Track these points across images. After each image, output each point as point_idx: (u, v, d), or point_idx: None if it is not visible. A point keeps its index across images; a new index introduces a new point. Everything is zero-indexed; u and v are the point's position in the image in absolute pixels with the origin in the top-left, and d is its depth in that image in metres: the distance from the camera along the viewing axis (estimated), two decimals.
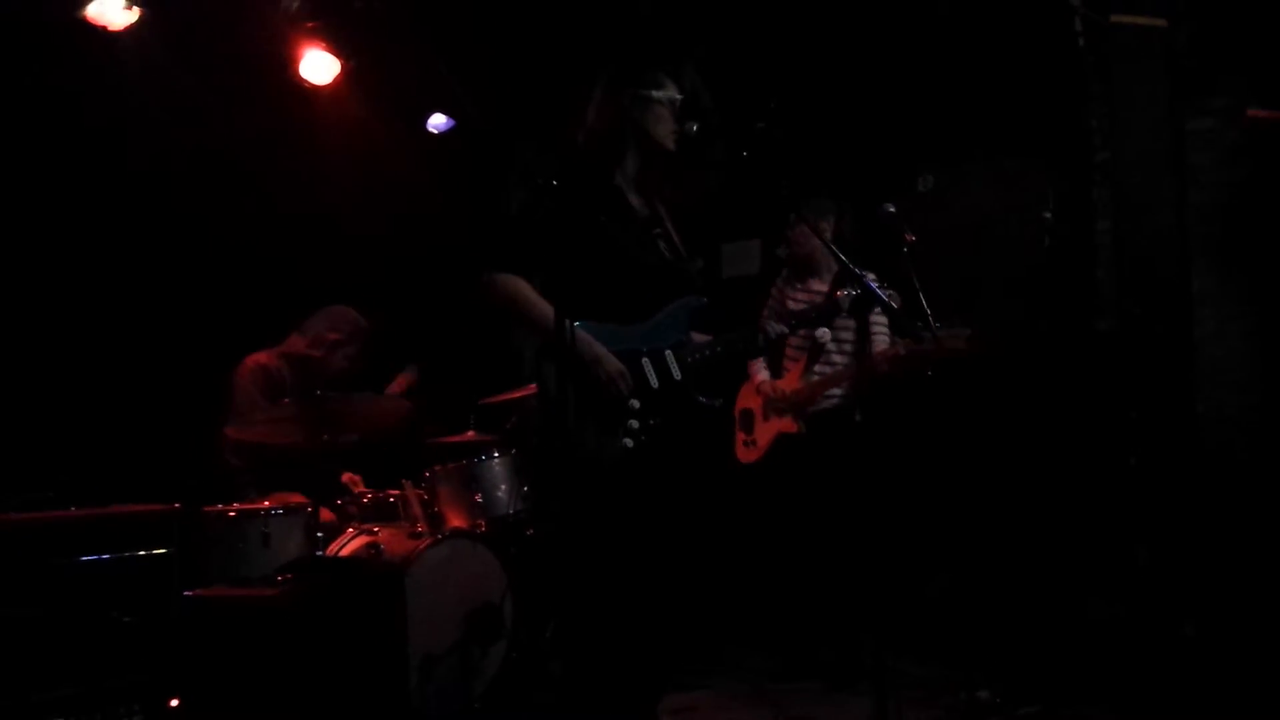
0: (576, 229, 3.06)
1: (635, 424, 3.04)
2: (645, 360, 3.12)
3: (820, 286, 4.90)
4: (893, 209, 4.07)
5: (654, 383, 3.11)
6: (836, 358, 4.80)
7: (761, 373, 4.99)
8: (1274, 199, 4.58)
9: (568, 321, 2.87)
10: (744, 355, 3.20)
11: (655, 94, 3.19)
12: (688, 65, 3.28)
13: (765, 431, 4.92)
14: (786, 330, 3.27)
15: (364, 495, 4.68)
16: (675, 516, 3.18)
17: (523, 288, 3.08)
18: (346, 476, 4.96)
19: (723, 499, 5.48)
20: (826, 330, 4.71)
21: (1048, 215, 4.86)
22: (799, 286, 4.95)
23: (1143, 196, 4.88)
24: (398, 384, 4.97)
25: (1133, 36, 4.95)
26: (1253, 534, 4.35)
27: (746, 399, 5.08)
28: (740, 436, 5.07)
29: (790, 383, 4.86)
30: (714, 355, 3.17)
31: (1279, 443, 4.43)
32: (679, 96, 3.21)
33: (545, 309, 3.01)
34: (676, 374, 3.12)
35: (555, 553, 3.10)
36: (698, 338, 3.23)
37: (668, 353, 3.13)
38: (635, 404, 3.05)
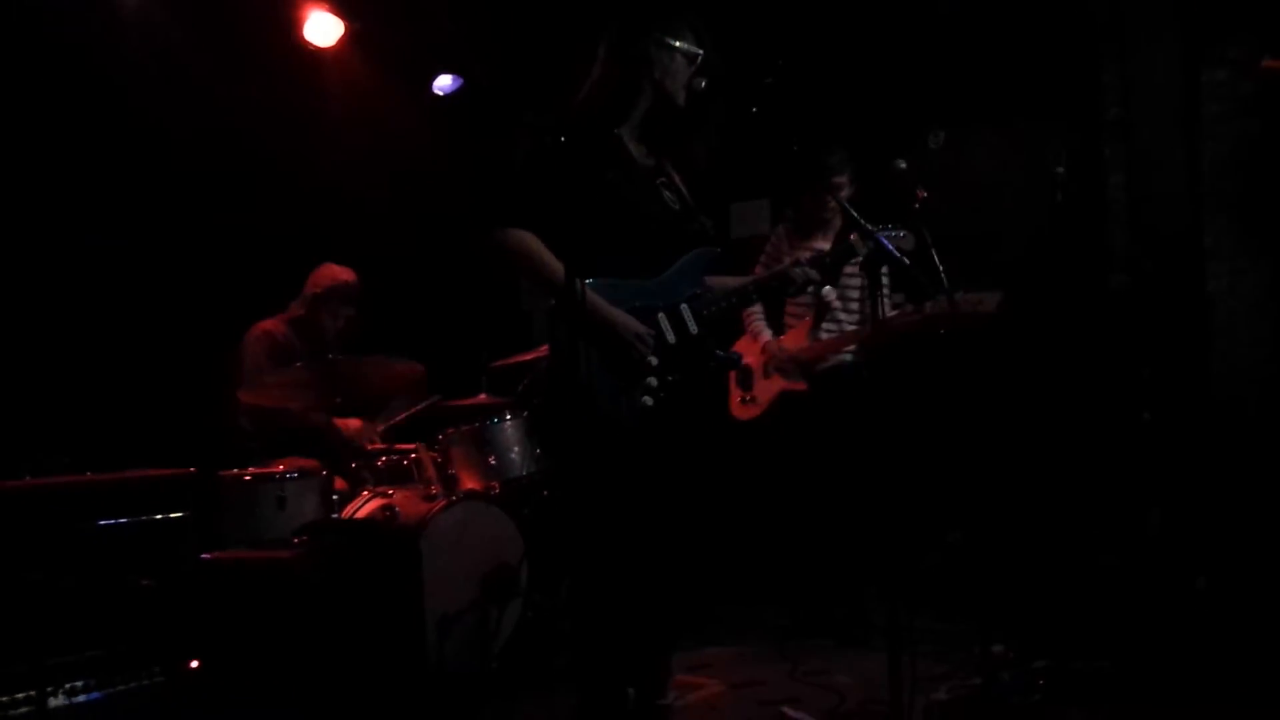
0: (582, 183, 3.00)
1: (654, 382, 3.00)
2: (661, 316, 3.08)
3: (823, 244, 4.86)
4: (904, 165, 4.05)
5: (670, 338, 3.07)
6: (842, 315, 4.77)
7: (765, 331, 4.96)
8: None
9: (579, 280, 2.82)
10: (770, 297, 3.16)
11: (678, 44, 3.11)
12: (701, 22, 3.21)
13: (766, 389, 4.89)
14: (816, 278, 3.20)
15: (378, 458, 4.69)
16: (696, 473, 3.17)
17: (533, 243, 3.01)
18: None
19: (723, 455, 5.51)
20: (832, 289, 4.69)
21: (1060, 171, 4.83)
22: (801, 243, 4.91)
23: (1155, 151, 4.85)
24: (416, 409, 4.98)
25: None
26: (1265, 488, 4.35)
27: (744, 354, 5.02)
28: (737, 394, 5.02)
29: (796, 340, 4.83)
30: (731, 307, 3.13)
31: None
32: (699, 51, 3.13)
33: (556, 265, 2.96)
34: (693, 328, 3.09)
35: (572, 514, 3.07)
36: (715, 282, 3.17)
37: (683, 307, 3.09)
38: (654, 361, 3.01)
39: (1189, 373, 4.63)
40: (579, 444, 2.94)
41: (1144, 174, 4.87)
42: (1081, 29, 5.04)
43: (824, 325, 4.78)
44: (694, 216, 3.22)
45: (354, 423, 4.84)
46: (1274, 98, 4.56)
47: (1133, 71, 4.92)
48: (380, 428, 4.96)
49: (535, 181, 3.05)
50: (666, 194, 3.19)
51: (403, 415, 5.01)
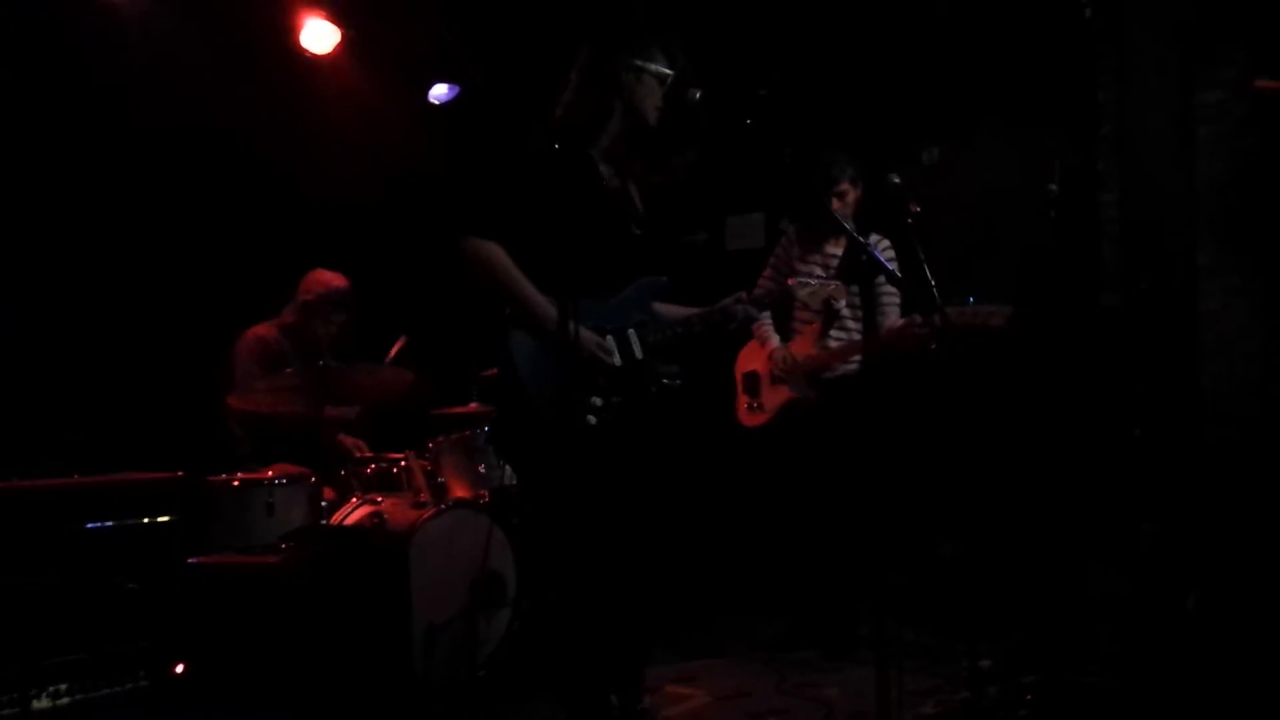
0: (551, 201, 3.07)
1: (599, 401, 3.07)
2: (609, 338, 3.16)
3: (835, 250, 4.87)
4: (898, 179, 4.05)
5: (617, 361, 3.15)
6: (851, 324, 4.77)
7: (772, 338, 4.95)
8: None
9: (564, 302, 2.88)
10: (707, 338, 3.30)
11: (649, 66, 3.17)
12: (676, 41, 3.25)
13: (774, 396, 4.88)
14: (756, 315, 3.29)
15: (367, 466, 4.68)
16: (641, 493, 3.21)
17: (499, 255, 3.07)
18: (349, 441, 4.96)
19: (721, 463, 5.50)
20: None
21: (1053, 188, 4.84)
22: (812, 249, 4.92)
23: (1150, 169, 4.86)
24: (391, 352, 4.95)
25: (1141, 8, 4.91)
26: (1256, 508, 4.35)
27: (751, 361, 5.02)
28: (744, 400, 5.03)
29: (803, 348, 4.83)
30: (675, 336, 3.22)
31: None
32: (669, 72, 3.18)
33: (519, 279, 3.04)
34: (638, 353, 3.17)
35: (535, 525, 3.16)
36: (665, 310, 3.26)
37: (630, 331, 3.17)
38: (600, 381, 3.08)
39: (1181, 390, 4.63)
40: (534, 455, 3.01)
41: (1138, 192, 4.88)
42: (1078, 46, 5.06)
43: (832, 333, 4.78)
44: (649, 240, 3.29)
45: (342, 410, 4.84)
46: (1268, 118, 4.58)
47: (1128, 89, 4.94)
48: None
49: (506, 195, 3.12)
50: (629, 218, 3.26)
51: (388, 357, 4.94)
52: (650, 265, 3.26)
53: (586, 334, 3.04)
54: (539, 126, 3.22)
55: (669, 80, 3.17)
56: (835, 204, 4.73)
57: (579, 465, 3.01)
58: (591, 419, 3.04)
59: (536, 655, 4.25)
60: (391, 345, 4.91)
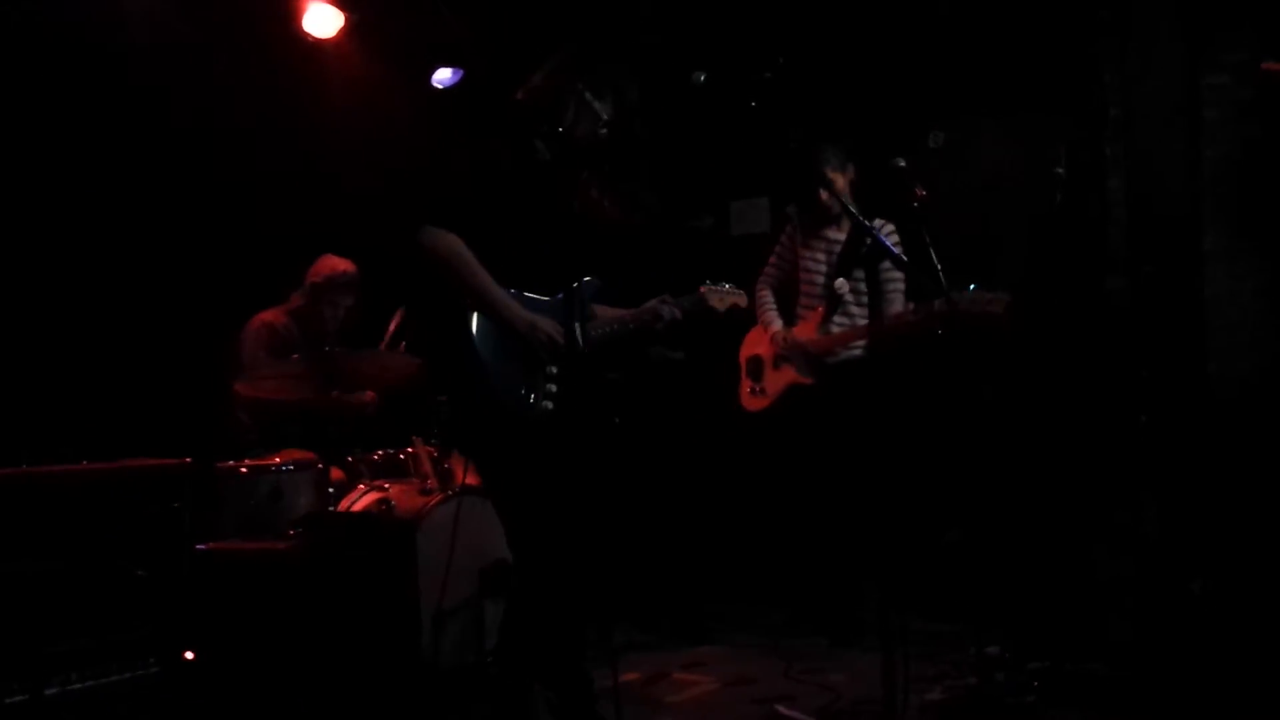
0: (512, 197, 3.17)
1: (553, 388, 3.19)
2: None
3: (838, 235, 4.87)
4: (904, 163, 4.04)
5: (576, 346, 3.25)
6: (855, 309, 4.77)
7: (776, 321, 4.95)
8: None
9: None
10: (637, 339, 3.47)
11: (594, 103, 3.27)
12: (633, 80, 3.35)
13: (776, 380, 4.89)
14: (679, 315, 3.42)
15: (374, 452, 4.69)
16: (588, 482, 3.34)
17: (459, 246, 3.12)
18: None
19: (724, 448, 5.52)
20: (844, 281, 4.69)
21: (1059, 171, 4.83)
22: (815, 235, 4.91)
23: (1156, 153, 4.84)
24: (390, 326, 4.94)
25: None
26: (1262, 492, 4.36)
27: (755, 345, 5.03)
28: (747, 384, 5.03)
29: (806, 332, 4.83)
30: (611, 335, 3.38)
31: None
32: (605, 117, 3.28)
33: (479, 272, 3.11)
34: (583, 347, 3.28)
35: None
36: (600, 310, 3.41)
37: (576, 326, 3.26)
38: (553, 370, 3.19)
39: (1186, 376, 4.63)
40: (497, 444, 3.15)
41: (1144, 176, 4.86)
42: (1084, 29, 5.03)
43: (836, 318, 4.78)
44: (598, 243, 3.42)
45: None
46: (1274, 102, 4.56)
47: (1134, 73, 4.92)
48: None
49: (469, 186, 3.20)
50: (583, 213, 3.33)
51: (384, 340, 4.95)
52: (591, 266, 3.39)
53: (545, 319, 3.18)
54: (500, 112, 3.31)
55: (603, 122, 3.29)
56: (824, 195, 4.74)
57: (540, 452, 3.14)
58: (548, 404, 3.17)
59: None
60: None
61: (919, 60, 5.49)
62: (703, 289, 3.53)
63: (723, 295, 3.58)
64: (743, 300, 3.64)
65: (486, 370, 3.12)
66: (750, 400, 5.02)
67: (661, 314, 3.41)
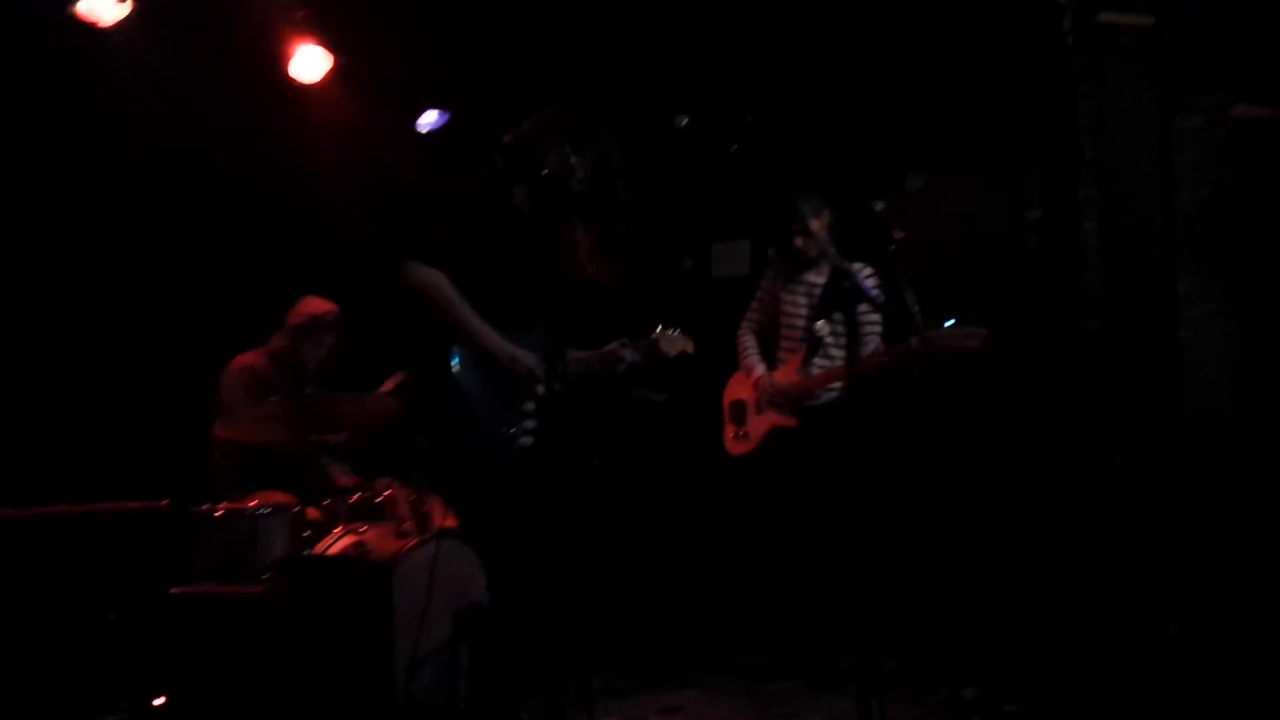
0: (491, 234, 3.26)
1: (531, 424, 3.26)
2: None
3: (818, 278, 4.89)
4: (882, 206, 4.08)
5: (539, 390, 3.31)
6: (835, 351, 4.78)
7: (759, 365, 4.97)
8: (1260, 197, 4.58)
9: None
10: (606, 380, 3.54)
11: (573, 160, 3.31)
12: (614, 143, 3.41)
13: (759, 424, 4.89)
14: (639, 357, 3.55)
15: (351, 495, 4.68)
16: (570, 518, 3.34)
17: (440, 281, 3.19)
18: (334, 470, 4.93)
19: (708, 492, 5.52)
20: (825, 323, 4.71)
21: (1034, 215, 4.87)
22: (795, 279, 4.94)
23: (1130, 196, 4.88)
24: (386, 385, 4.96)
25: (1121, 36, 4.94)
26: (1237, 534, 4.36)
27: (738, 390, 5.03)
28: (730, 429, 5.03)
29: (788, 375, 4.85)
30: (578, 374, 3.44)
31: (1264, 443, 4.44)
32: (582, 177, 3.32)
33: (463, 304, 3.20)
34: (557, 385, 3.28)
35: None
36: (571, 354, 3.41)
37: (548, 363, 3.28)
38: (530, 406, 3.26)
39: (1161, 418, 4.64)
40: (482, 481, 3.23)
41: (1119, 218, 4.90)
42: (1059, 75, 5.09)
43: (816, 360, 4.80)
44: (588, 283, 3.43)
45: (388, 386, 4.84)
46: (1246, 145, 4.60)
47: (1109, 116, 4.96)
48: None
49: (452, 225, 3.28)
50: (563, 258, 3.37)
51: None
52: (566, 309, 3.41)
53: (524, 352, 3.26)
54: (493, 156, 3.39)
55: (586, 170, 3.34)
56: (799, 241, 4.77)
57: (520, 487, 3.19)
58: (528, 440, 3.25)
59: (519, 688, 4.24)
60: (386, 377, 4.91)
61: (898, 105, 5.55)
62: (654, 334, 3.61)
63: (672, 341, 3.67)
64: (690, 348, 3.72)
65: (468, 404, 3.19)
66: (734, 444, 5.02)
67: (623, 356, 3.50)
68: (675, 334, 3.68)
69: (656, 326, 3.65)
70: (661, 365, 3.64)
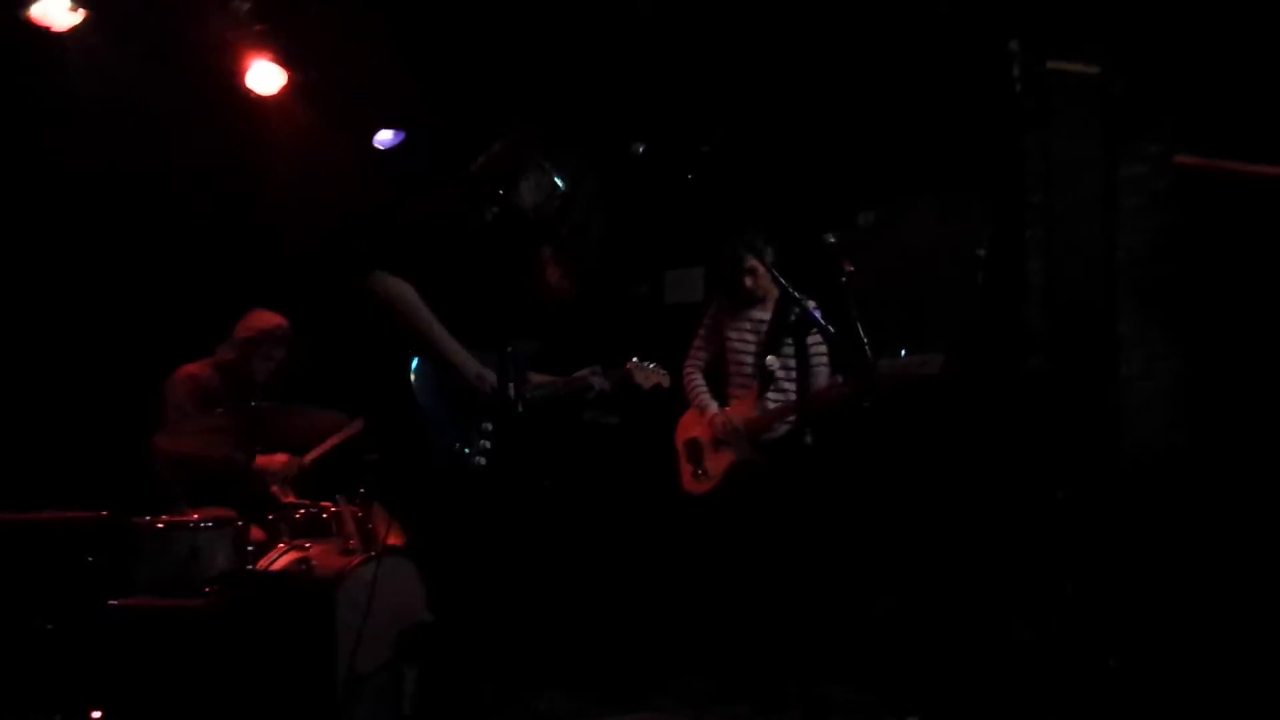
0: (463, 249, 3.27)
1: (487, 444, 3.24)
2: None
3: (762, 315, 4.94)
4: (833, 239, 4.15)
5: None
6: (787, 385, 4.82)
7: (711, 404, 4.98)
8: (1199, 242, 4.72)
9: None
10: (568, 405, 3.58)
11: (553, 174, 3.37)
12: (588, 167, 3.46)
13: (718, 461, 4.89)
14: (609, 386, 3.59)
15: (296, 511, 4.62)
16: (520, 540, 3.40)
17: (407, 292, 3.17)
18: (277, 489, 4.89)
19: (666, 529, 5.52)
20: (775, 358, 4.76)
21: (981, 253, 4.97)
22: (741, 316, 4.98)
23: (1075, 238, 4.98)
24: (344, 433, 4.93)
25: (1069, 83, 5.08)
26: (1176, 569, 4.45)
27: (691, 428, 5.02)
28: (687, 468, 5.01)
29: (742, 411, 4.87)
30: (542, 397, 3.48)
31: (1203, 480, 4.55)
32: (562, 189, 3.39)
33: (428, 318, 3.18)
34: (518, 406, 3.34)
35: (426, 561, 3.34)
36: (534, 377, 3.50)
37: (510, 385, 3.32)
38: (487, 426, 3.25)
39: (1102, 454, 4.74)
40: (434, 497, 3.21)
41: (1064, 259, 5.01)
42: (1010, 118, 5.21)
43: (769, 395, 4.83)
44: (553, 307, 3.49)
45: (279, 458, 4.78)
46: (1187, 193, 4.75)
47: (1055, 162, 5.09)
48: (307, 460, 4.90)
49: (423, 235, 3.28)
50: (528, 280, 3.39)
51: (329, 443, 4.95)
52: (529, 331, 3.47)
53: (490, 371, 3.25)
54: (460, 173, 3.38)
55: (557, 193, 3.39)
56: (748, 281, 4.83)
57: (471, 506, 3.20)
58: (481, 460, 3.22)
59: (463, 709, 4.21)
60: (338, 389, 4.87)
61: (852, 142, 5.64)
62: (629, 365, 3.62)
63: (647, 374, 3.69)
64: (666, 381, 3.74)
65: (423, 419, 3.17)
66: (693, 484, 5.00)
67: (592, 384, 3.52)
68: (651, 366, 3.70)
69: (631, 357, 3.66)
70: (633, 397, 3.67)
